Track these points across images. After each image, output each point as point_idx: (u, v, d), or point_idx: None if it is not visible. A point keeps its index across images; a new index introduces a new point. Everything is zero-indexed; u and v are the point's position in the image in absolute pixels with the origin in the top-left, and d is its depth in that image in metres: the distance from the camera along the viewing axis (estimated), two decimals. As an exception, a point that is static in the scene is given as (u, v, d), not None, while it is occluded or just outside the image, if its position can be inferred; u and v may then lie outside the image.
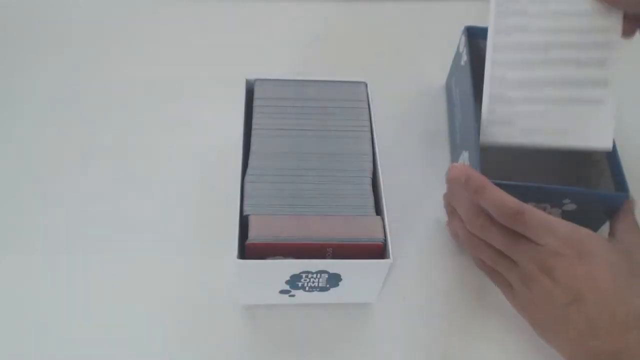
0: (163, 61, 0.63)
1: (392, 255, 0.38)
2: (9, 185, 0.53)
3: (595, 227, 0.47)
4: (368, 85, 0.46)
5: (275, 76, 0.46)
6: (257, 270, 0.40)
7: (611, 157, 0.47)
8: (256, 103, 0.45)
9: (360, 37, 0.66)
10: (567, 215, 0.46)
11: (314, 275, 0.40)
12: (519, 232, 0.39)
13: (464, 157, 0.49)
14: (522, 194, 0.42)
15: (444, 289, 0.48)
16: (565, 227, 0.39)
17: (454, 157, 0.54)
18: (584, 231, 0.39)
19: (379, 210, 0.42)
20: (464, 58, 0.51)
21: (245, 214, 0.40)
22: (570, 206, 0.46)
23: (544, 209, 0.45)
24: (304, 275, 0.40)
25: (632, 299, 0.36)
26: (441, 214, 0.50)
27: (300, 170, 0.42)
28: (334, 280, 0.41)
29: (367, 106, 0.45)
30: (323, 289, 0.42)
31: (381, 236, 0.40)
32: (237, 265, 0.38)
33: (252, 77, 0.46)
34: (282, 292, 0.42)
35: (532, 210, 0.39)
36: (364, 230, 0.40)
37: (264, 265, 0.38)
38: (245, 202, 0.40)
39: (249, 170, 0.42)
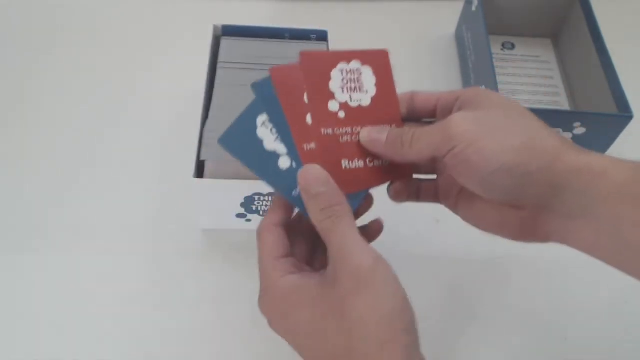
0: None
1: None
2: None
3: (602, 150, 0.53)
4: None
5: (244, 24, 0.48)
6: (211, 190, 0.42)
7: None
8: (221, 59, 0.47)
9: (360, 37, 0.65)
10: (577, 139, 0.52)
11: (266, 198, 0.42)
12: None
13: None
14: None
15: (443, 289, 0.48)
16: None
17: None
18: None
19: None
20: (475, 4, 0.59)
21: (201, 159, 0.42)
22: (581, 129, 0.51)
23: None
24: (256, 197, 0.42)
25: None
26: (440, 214, 0.46)
27: None
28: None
29: None
30: None
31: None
32: (195, 185, 0.41)
33: (219, 23, 0.47)
34: (239, 215, 0.46)
35: None
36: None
37: (218, 184, 0.41)
38: (203, 150, 0.42)
39: (208, 120, 0.43)
